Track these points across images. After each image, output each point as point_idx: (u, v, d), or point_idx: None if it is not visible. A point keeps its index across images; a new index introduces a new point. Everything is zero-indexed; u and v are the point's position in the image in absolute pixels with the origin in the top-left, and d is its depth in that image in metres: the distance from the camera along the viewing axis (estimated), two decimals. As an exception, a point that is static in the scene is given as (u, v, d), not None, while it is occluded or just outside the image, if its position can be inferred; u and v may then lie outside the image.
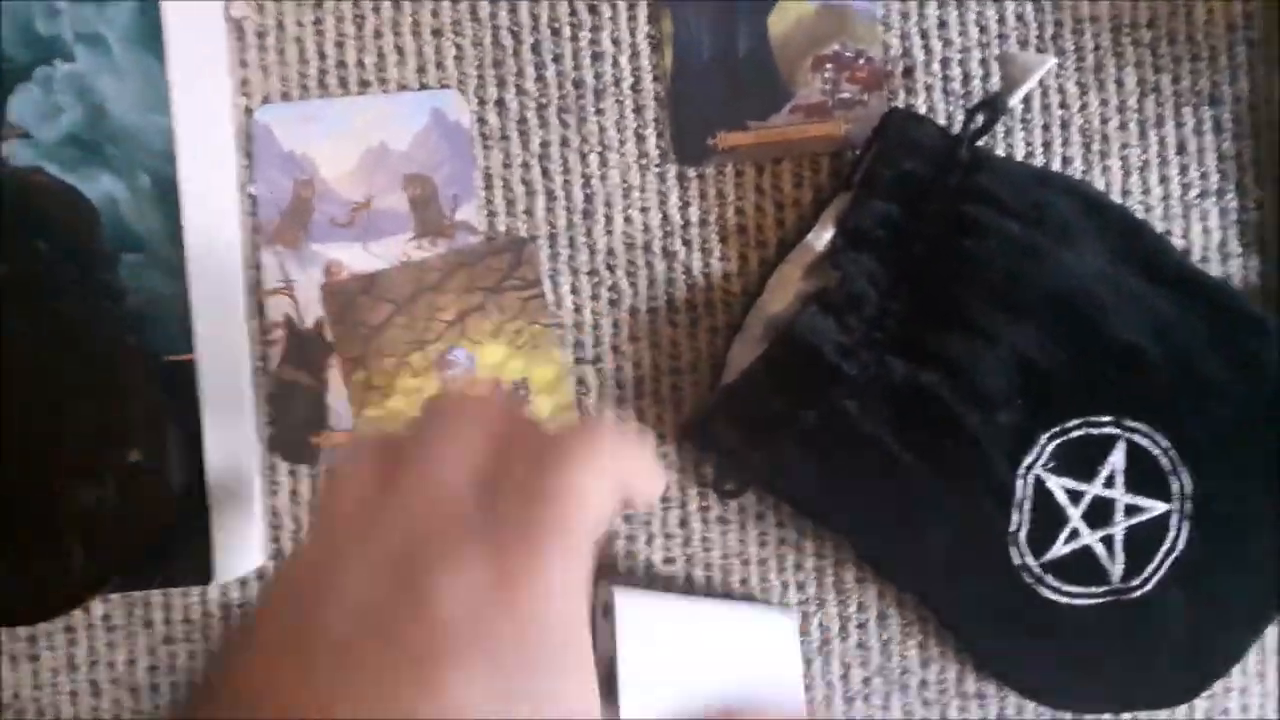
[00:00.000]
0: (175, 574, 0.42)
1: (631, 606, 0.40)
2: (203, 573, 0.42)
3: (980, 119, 0.42)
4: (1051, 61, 0.42)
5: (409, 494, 0.28)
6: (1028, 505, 0.41)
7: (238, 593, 0.44)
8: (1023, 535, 0.41)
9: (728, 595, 0.45)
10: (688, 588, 0.44)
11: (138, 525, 0.39)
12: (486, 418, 0.30)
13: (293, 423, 0.44)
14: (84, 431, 0.39)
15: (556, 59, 0.44)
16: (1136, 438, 0.41)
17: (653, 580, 0.44)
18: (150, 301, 0.41)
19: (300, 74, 0.44)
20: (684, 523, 0.45)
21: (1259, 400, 0.41)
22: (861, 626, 0.45)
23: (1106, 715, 0.44)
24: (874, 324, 0.41)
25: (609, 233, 0.44)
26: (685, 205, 0.44)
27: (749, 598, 0.45)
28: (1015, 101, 0.42)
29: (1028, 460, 0.41)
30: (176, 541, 0.42)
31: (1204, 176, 0.45)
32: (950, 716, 0.45)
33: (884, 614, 0.45)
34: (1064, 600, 0.41)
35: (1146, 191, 0.45)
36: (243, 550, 0.43)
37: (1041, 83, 0.44)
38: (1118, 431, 0.40)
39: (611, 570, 0.44)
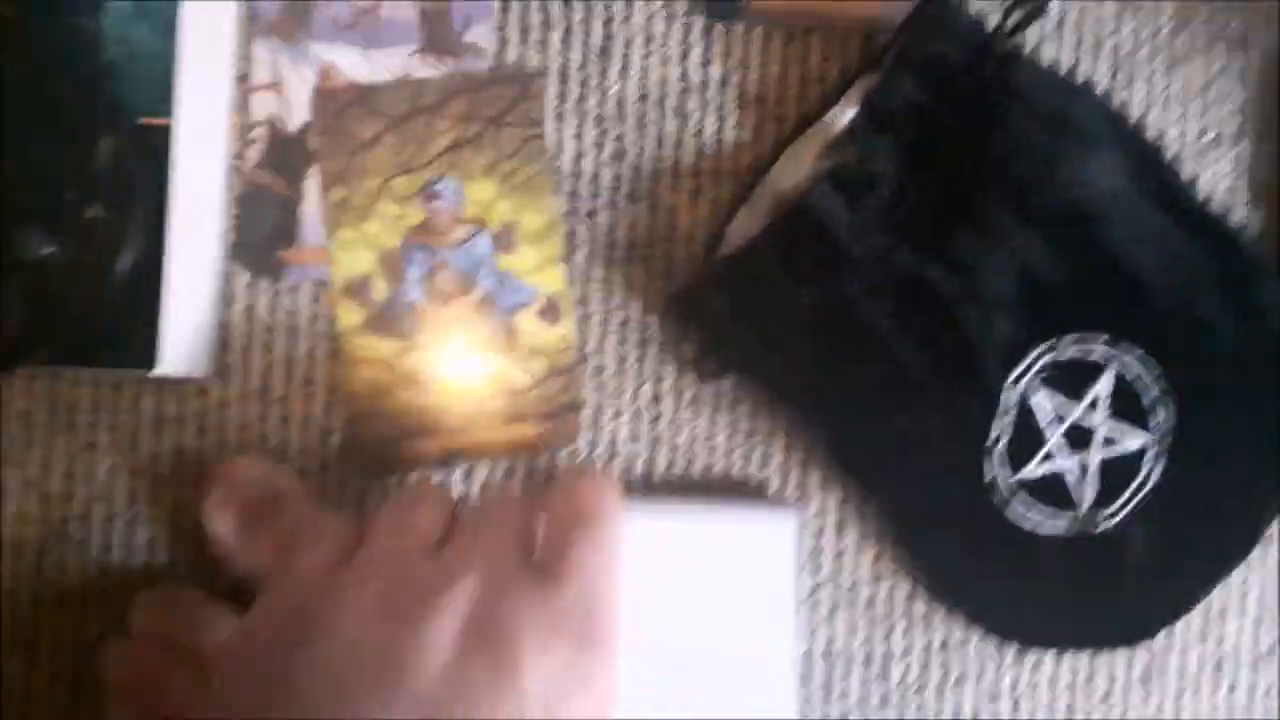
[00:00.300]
0: (116, 358, 0.39)
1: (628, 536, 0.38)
2: (145, 362, 0.39)
3: (1019, 14, 0.41)
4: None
5: (483, 562, 0.33)
6: (1009, 418, 0.40)
7: (173, 407, 0.41)
8: (999, 449, 0.40)
9: (731, 490, 0.43)
10: (648, 469, 0.43)
11: (86, 289, 0.36)
12: (521, 511, 0.36)
13: (260, 231, 0.41)
14: (44, 176, 0.35)
15: (593, -110, 0.42)
16: (1128, 362, 0.40)
17: (614, 455, 0.43)
18: (132, 56, 0.38)
19: None
20: (656, 399, 0.43)
21: (1256, 350, 0.41)
22: (818, 533, 0.44)
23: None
24: (887, 208, 0.40)
25: (623, 80, 0.42)
26: (706, 63, 0.42)
27: (736, 489, 0.43)
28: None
29: (1017, 372, 0.40)
30: (123, 322, 0.38)
31: (1222, 121, 0.44)
32: (894, 638, 0.44)
33: (843, 522, 0.44)
34: (1029, 524, 0.40)
35: (1163, 128, 0.44)
36: (189, 351, 0.40)
37: (1079, -1, 0.43)
38: (1110, 354, 0.40)
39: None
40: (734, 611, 0.39)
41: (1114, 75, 0.44)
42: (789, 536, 0.40)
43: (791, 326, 0.40)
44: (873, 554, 0.44)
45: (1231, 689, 0.45)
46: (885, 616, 0.44)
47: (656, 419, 0.43)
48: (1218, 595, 0.45)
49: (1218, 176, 0.44)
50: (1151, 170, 0.41)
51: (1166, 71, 0.44)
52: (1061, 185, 0.40)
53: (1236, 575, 0.44)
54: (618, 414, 0.43)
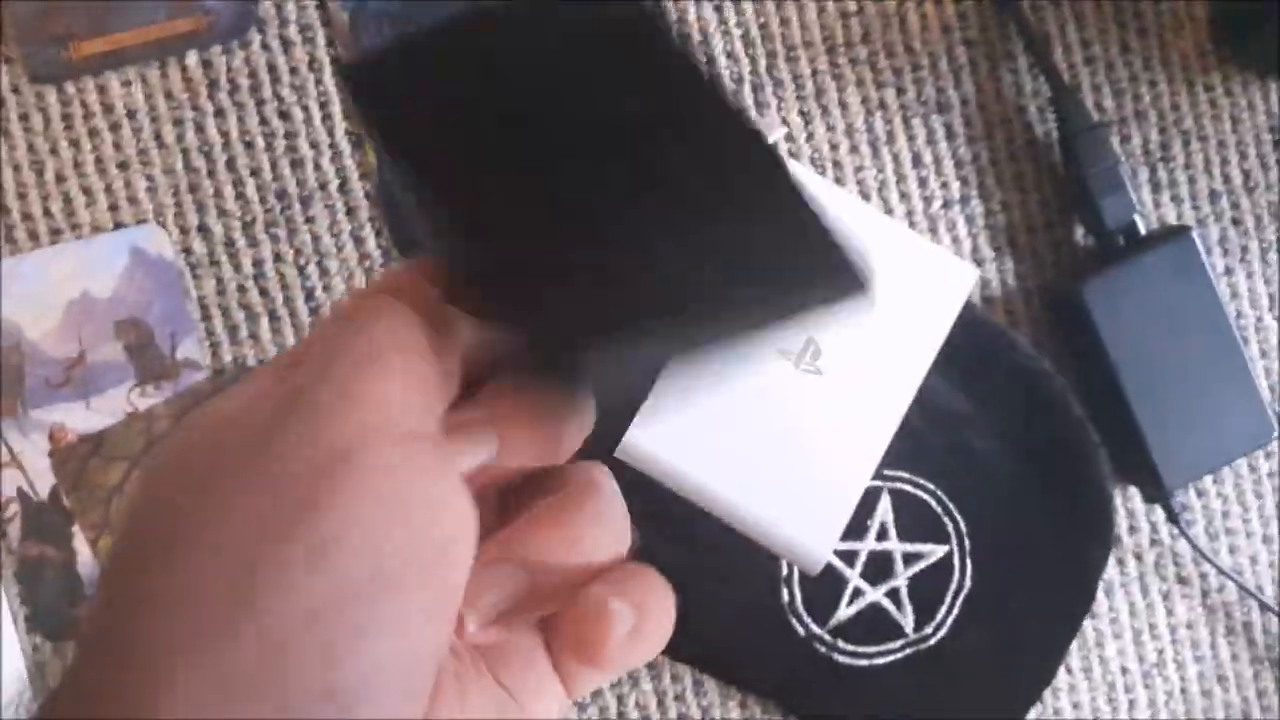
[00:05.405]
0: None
1: None
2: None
3: None
4: (780, 131, 0.40)
5: None
6: (796, 579, 0.39)
7: (24, 781, 0.42)
8: (799, 606, 0.40)
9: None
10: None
11: None
12: None
13: (48, 599, 0.41)
14: None
15: (254, 173, 0.42)
16: (900, 485, 0.40)
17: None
18: None
19: (-14, 231, 0.41)
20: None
21: (1013, 435, 0.40)
22: (679, 698, 0.44)
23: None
24: None
25: (342, 347, 0.42)
26: (417, 305, 0.42)
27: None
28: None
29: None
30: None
31: (944, 186, 0.43)
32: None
33: (699, 681, 0.43)
34: (862, 662, 0.40)
35: (889, 211, 0.43)
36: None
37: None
38: (879, 483, 0.40)
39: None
40: (878, 329, 0.38)
41: (821, 179, 0.43)
42: (965, 287, 0.38)
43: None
44: (738, 701, 0.43)
45: (1131, 705, 0.45)
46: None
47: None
48: (1089, 626, 0.44)
49: (959, 237, 0.44)
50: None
51: (874, 158, 0.43)
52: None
53: (1101, 604, 0.44)
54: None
